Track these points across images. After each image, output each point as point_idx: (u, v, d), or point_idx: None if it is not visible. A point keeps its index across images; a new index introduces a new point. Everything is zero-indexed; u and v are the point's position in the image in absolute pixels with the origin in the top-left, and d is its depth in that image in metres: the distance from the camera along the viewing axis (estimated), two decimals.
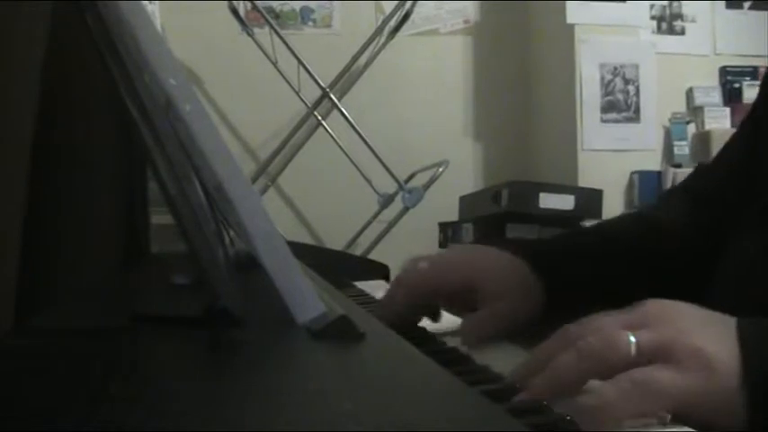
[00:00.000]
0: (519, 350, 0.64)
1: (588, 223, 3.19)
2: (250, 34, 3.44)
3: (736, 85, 3.56)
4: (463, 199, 3.63)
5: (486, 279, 0.71)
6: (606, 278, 0.77)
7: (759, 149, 0.76)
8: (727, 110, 3.52)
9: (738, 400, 0.43)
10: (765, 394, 0.43)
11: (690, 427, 0.43)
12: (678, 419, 0.43)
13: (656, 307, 0.48)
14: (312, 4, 3.83)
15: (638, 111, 3.46)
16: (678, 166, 3.39)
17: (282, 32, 3.42)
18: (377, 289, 1.12)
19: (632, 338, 0.45)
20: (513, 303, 0.70)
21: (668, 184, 3.32)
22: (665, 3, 3.59)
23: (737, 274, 0.70)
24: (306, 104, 3.44)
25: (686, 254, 0.80)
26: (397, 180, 3.30)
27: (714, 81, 3.61)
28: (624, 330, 0.46)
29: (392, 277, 1.39)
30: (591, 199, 3.18)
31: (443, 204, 3.56)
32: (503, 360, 0.55)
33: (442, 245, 3.65)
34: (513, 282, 0.72)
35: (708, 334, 0.45)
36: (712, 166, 0.88)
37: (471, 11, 3.96)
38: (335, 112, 3.41)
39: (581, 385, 0.45)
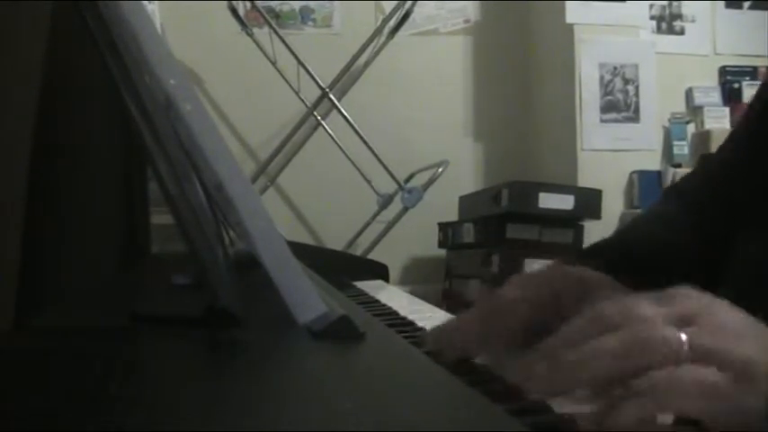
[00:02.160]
0: None
1: (588, 223, 3.20)
2: (249, 34, 3.44)
3: (736, 85, 3.56)
4: (463, 199, 3.63)
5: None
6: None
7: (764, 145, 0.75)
8: (727, 110, 3.52)
9: None
10: None
11: None
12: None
13: (699, 303, 0.45)
14: (312, 4, 3.83)
15: (637, 111, 3.46)
16: (678, 165, 3.39)
17: (282, 32, 3.42)
18: (377, 289, 1.12)
19: (683, 337, 0.42)
20: None
21: (668, 184, 3.32)
22: (665, 3, 3.59)
23: (746, 273, 0.69)
24: (305, 104, 3.44)
25: (691, 261, 0.78)
26: (396, 180, 3.30)
27: (714, 81, 3.61)
28: (672, 326, 0.43)
29: (391, 277, 1.39)
30: (590, 199, 3.18)
31: (443, 204, 3.56)
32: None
33: (442, 245, 3.65)
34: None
35: (754, 342, 0.43)
36: (714, 163, 0.86)
37: (471, 10, 3.96)
38: (335, 112, 3.41)
39: (617, 380, 0.42)
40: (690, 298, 0.46)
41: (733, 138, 0.84)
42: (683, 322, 0.43)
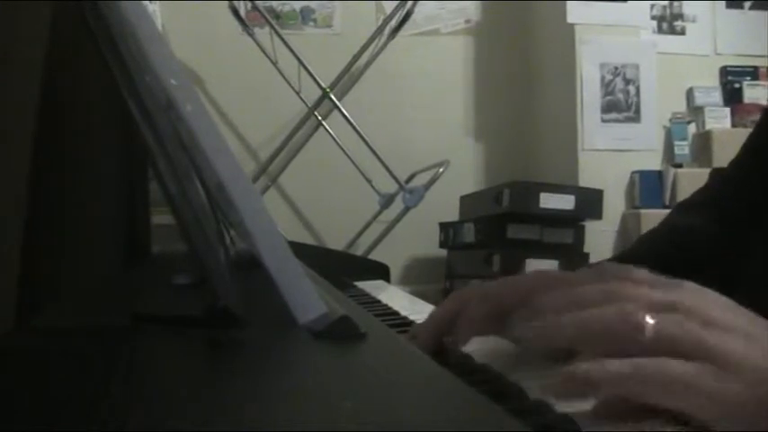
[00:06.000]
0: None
1: (589, 223, 3.20)
2: (250, 34, 3.44)
3: (737, 86, 3.56)
4: (464, 199, 3.63)
5: None
6: None
7: None
8: (728, 110, 3.52)
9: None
10: None
11: None
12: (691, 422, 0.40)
13: (692, 295, 0.44)
14: (313, 5, 3.83)
15: (638, 111, 3.46)
16: (679, 165, 3.39)
17: (283, 32, 3.42)
18: (378, 289, 1.12)
19: (650, 320, 0.41)
20: None
21: (669, 184, 3.32)
22: (666, 3, 3.59)
23: (760, 274, 0.69)
24: (306, 105, 3.44)
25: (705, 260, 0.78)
26: (397, 180, 3.30)
27: (714, 81, 3.61)
28: (647, 311, 0.42)
29: (392, 277, 1.39)
30: (592, 199, 3.18)
31: (444, 204, 3.56)
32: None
33: (443, 245, 3.65)
34: None
35: (743, 336, 0.41)
36: (731, 171, 0.86)
37: (472, 11, 3.96)
38: (336, 112, 3.41)
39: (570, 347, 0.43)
40: (686, 290, 0.45)
41: (746, 146, 0.83)
42: (668, 310, 0.42)
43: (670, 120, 3.51)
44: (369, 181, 3.51)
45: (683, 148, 3.46)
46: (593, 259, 3.02)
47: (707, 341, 0.40)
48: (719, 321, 0.42)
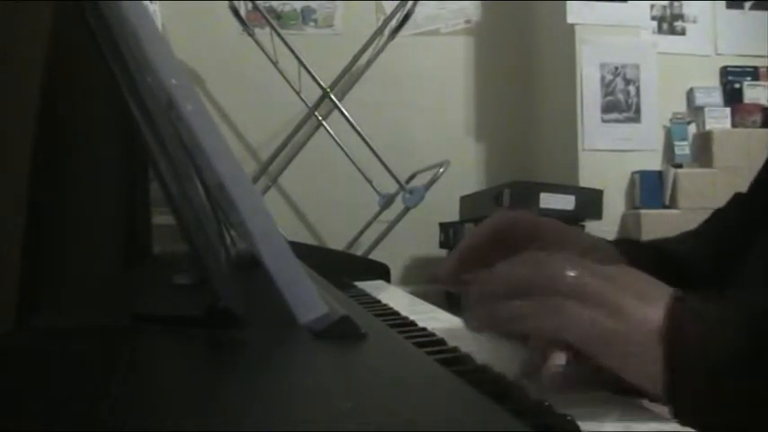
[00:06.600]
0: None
1: (589, 224, 3.20)
2: (251, 34, 3.44)
3: (737, 86, 3.56)
4: (464, 199, 3.63)
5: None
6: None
7: None
8: (728, 110, 3.51)
9: (653, 353, 0.45)
10: (684, 354, 0.45)
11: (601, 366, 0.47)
12: (587, 355, 0.47)
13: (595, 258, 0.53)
14: (313, 5, 3.83)
15: (638, 111, 3.46)
16: (679, 166, 3.39)
17: (283, 33, 3.42)
18: (378, 289, 1.12)
19: (571, 273, 0.49)
20: None
21: (669, 184, 3.32)
22: (666, 3, 3.59)
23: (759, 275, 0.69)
24: (306, 105, 3.44)
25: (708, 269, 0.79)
26: (397, 180, 3.30)
27: (715, 81, 3.61)
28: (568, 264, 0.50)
29: (393, 278, 1.39)
30: (592, 199, 3.18)
31: (444, 205, 3.56)
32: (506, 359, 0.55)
33: (443, 245, 3.65)
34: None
35: (631, 285, 0.49)
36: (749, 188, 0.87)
37: (472, 11, 3.96)
38: (336, 112, 3.41)
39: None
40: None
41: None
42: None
43: (670, 120, 3.51)
44: (369, 181, 3.51)
45: (683, 149, 3.46)
46: None
47: (598, 287, 0.48)
48: (613, 277, 0.50)
